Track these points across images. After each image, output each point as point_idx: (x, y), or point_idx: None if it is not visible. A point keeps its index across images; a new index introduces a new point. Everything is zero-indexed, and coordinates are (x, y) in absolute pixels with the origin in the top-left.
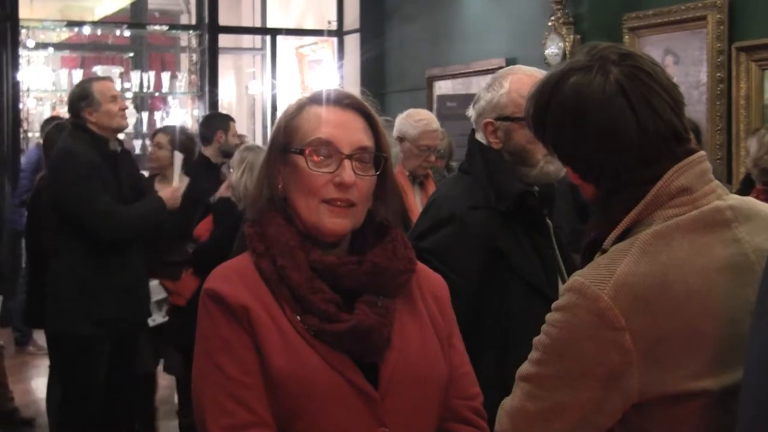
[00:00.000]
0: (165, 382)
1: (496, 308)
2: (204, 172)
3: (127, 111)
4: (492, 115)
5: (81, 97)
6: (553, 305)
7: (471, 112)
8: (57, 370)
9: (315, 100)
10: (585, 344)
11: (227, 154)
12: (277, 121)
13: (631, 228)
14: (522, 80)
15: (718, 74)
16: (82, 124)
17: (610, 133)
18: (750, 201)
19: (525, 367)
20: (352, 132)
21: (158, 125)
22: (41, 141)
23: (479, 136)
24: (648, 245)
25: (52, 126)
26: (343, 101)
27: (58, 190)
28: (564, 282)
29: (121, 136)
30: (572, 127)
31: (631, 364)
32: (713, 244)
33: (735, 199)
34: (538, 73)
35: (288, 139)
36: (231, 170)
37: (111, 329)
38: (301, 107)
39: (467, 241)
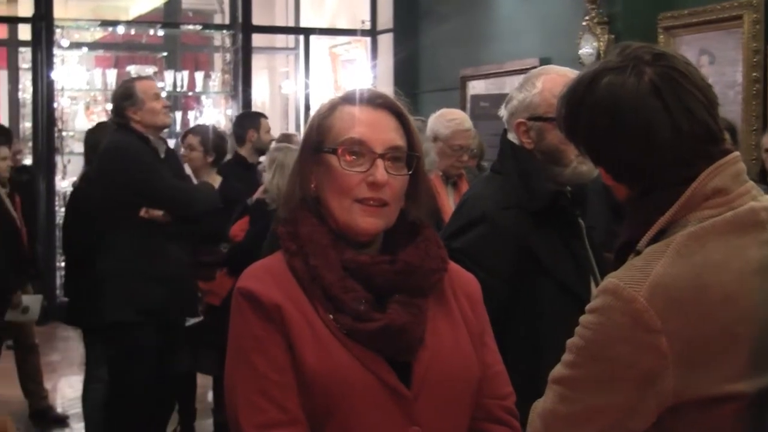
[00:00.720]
0: (199, 381)
1: (528, 308)
2: (241, 172)
3: (168, 108)
4: (524, 114)
5: (125, 97)
6: (587, 307)
7: (503, 112)
8: (109, 366)
9: (347, 99)
10: (620, 346)
11: (261, 152)
12: (309, 120)
13: (666, 229)
14: (555, 80)
15: (754, 74)
16: (126, 123)
17: (645, 134)
18: None
19: (558, 370)
20: (384, 131)
21: (192, 125)
22: None
23: (511, 136)
24: (683, 247)
25: (90, 129)
26: (375, 101)
27: (120, 178)
28: (597, 282)
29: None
30: (606, 128)
31: (666, 367)
32: (749, 245)
33: None
34: (571, 73)
35: (321, 138)
36: (264, 171)
37: (157, 318)
38: (333, 107)
39: (499, 241)
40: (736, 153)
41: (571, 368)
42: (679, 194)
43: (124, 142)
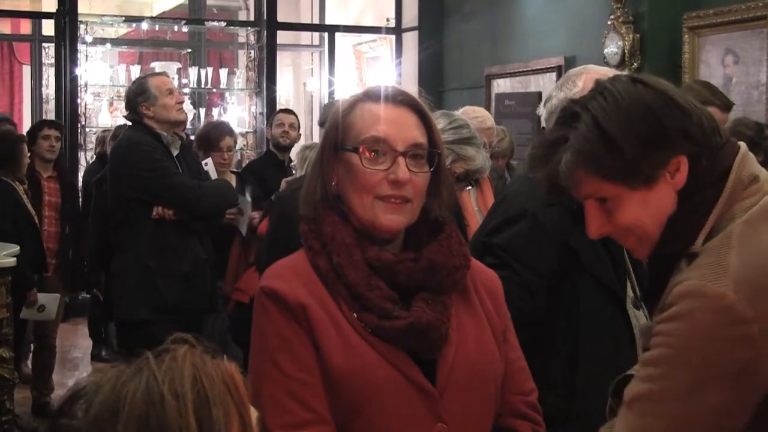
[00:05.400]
0: None
1: (567, 305)
2: (268, 170)
3: (183, 105)
4: None
5: (138, 93)
6: (659, 318)
7: (542, 111)
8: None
9: (369, 97)
10: (711, 346)
11: (275, 146)
12: (330, 117)
13: (713, 227)
14: (596, 79)
15: None
16: (140, 119)
17: (680, 110)
18: None
19: (639, 387)
20: (406, 129)
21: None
22: None
23: None
24: (745, 236)
25: (117, 126)
26: (396, 98)
27: (128, 176)
28: (632, 282)
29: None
30: (653, 123)
31: (760, 355)
32: None
33: None
34: (611, 72)
35: (342, 136)
36: (294, 170)
37: (174, 315)
38: (354, 104)
39: (540, 237)
40: (741, 142)
41: (657, 381)
42: (720, 189)
43: (134, 139)
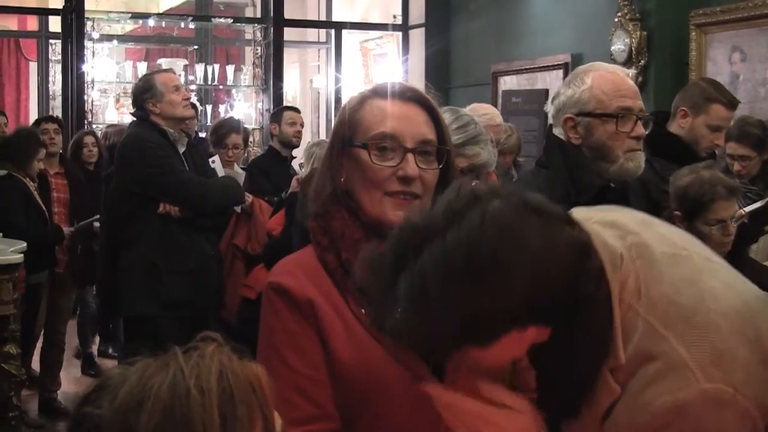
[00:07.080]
0: None
1: None
2: (274, 166)
3: (190, 101)
4: (573, 110)
5: (144, 90)
6: None
7: (549, 108)
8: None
9: (377, 93)
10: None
11: (286, 144)
12: (339, 114)
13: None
14: (604, 77)
15: None
16: (146, 116)
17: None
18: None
19: None
20: (415, 125)
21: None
22: None
23: (558, 132)
24: (665, 317)
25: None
26: (405, 94)
27: (134, 172)
28: None
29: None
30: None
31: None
32: (675, 270)
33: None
34: (619, 70)
35: (351, 132)
36: (300, 167)
37: (180, 312)
38: (363, 101)
39: None
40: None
41: None
42: (603, 293)
43: (140, 136)
